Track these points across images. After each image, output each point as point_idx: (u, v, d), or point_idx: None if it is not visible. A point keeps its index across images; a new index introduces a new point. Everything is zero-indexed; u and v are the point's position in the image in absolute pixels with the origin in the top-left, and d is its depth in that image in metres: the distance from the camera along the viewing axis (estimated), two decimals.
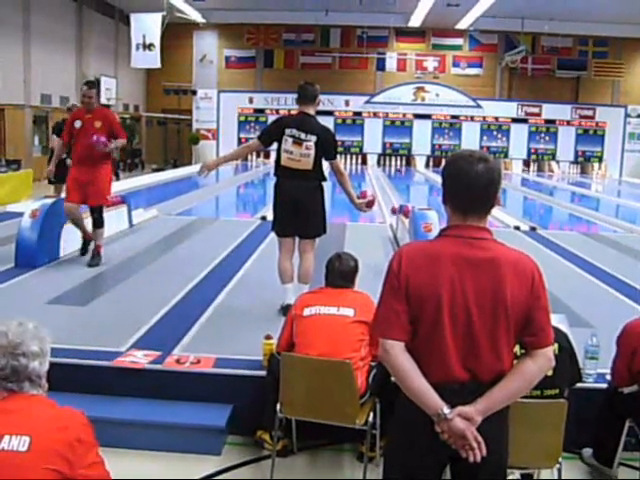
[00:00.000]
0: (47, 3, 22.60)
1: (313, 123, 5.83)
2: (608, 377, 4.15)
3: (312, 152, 5.72)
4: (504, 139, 30.76)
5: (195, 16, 28.28)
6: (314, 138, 5.73)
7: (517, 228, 11.82)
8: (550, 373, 3.15)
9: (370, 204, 6.17)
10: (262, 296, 6.47)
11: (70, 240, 8.18)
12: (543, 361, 2.40)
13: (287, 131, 5.75)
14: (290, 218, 5.86)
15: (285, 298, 5.90)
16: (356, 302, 4.00)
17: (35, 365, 2.20)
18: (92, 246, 7.93)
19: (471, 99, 30.66)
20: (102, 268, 7.65)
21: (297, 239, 6.01)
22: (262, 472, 3.98)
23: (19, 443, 2.05)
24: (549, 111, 30.80)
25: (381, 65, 32.30)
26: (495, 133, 30.73)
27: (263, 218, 12.00)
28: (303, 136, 5.73)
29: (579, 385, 3.83)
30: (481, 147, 29.08)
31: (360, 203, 6.09)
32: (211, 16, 29.30)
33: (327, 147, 5.83)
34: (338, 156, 6.07)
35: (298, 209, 5.80)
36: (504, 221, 12.72)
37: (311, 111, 5.88)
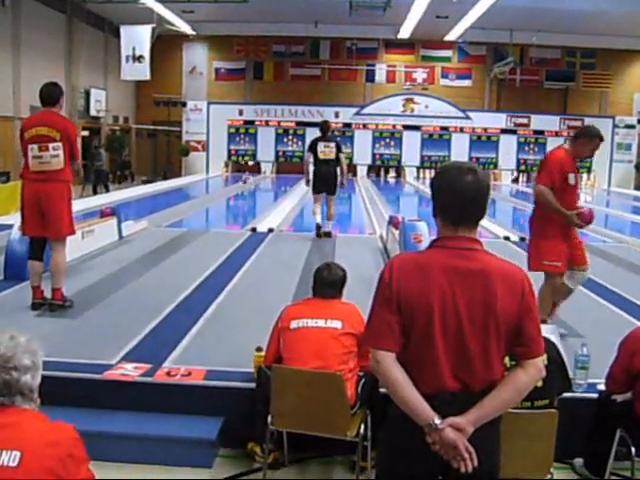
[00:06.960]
0: (36, 15, 22.58)
1: (331, 137, 11.73)
2: (599, 387, 4.16)
3: (334, 150, 11.24)
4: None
5: (185, 28, 28.32)
6: (333, 144, 11.34)
7: (507, 238, 11.85)
8: (540, 384, 3.16)
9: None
10: (253, 308, 6.47)
11: None
12: (534, 371, 2.41)
13: (319, 144, 11.21)
14: (324, 184, 11.25)
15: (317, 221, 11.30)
16: (344, 314, 3.99)
17: (27, 379, 2.19)
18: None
19: (460, 110, 30.75)
20: (92, 280, 7.62)
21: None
22: None
23: (9, 458, 2.03)
24: (538, 122, 30.89)
25: (370, 77, 32.38)
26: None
27: (253, 230, 12.01)
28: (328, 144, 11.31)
29: (570, 395, 3.84)
30: (470, 158, 29.15)
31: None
32: (201, 28, 29.34)
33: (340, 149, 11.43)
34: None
35: (329, 179, 11.23)
36: (494, 232, 12.77)
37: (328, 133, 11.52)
